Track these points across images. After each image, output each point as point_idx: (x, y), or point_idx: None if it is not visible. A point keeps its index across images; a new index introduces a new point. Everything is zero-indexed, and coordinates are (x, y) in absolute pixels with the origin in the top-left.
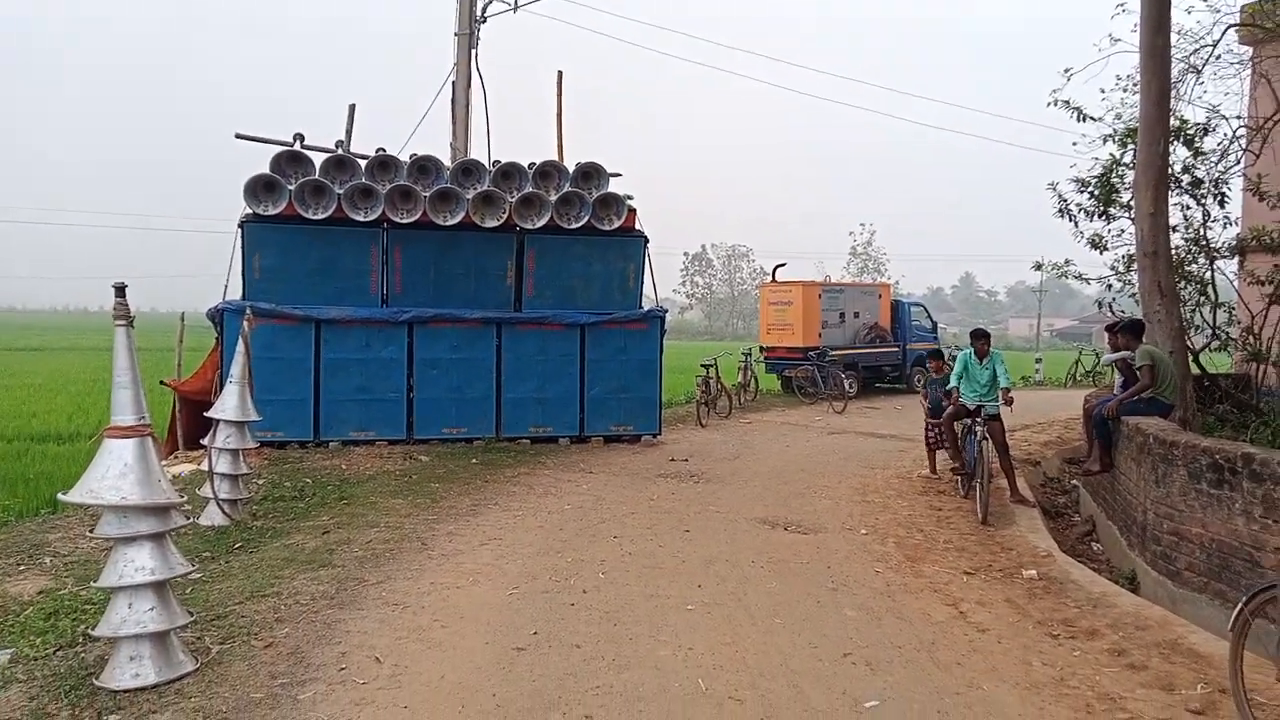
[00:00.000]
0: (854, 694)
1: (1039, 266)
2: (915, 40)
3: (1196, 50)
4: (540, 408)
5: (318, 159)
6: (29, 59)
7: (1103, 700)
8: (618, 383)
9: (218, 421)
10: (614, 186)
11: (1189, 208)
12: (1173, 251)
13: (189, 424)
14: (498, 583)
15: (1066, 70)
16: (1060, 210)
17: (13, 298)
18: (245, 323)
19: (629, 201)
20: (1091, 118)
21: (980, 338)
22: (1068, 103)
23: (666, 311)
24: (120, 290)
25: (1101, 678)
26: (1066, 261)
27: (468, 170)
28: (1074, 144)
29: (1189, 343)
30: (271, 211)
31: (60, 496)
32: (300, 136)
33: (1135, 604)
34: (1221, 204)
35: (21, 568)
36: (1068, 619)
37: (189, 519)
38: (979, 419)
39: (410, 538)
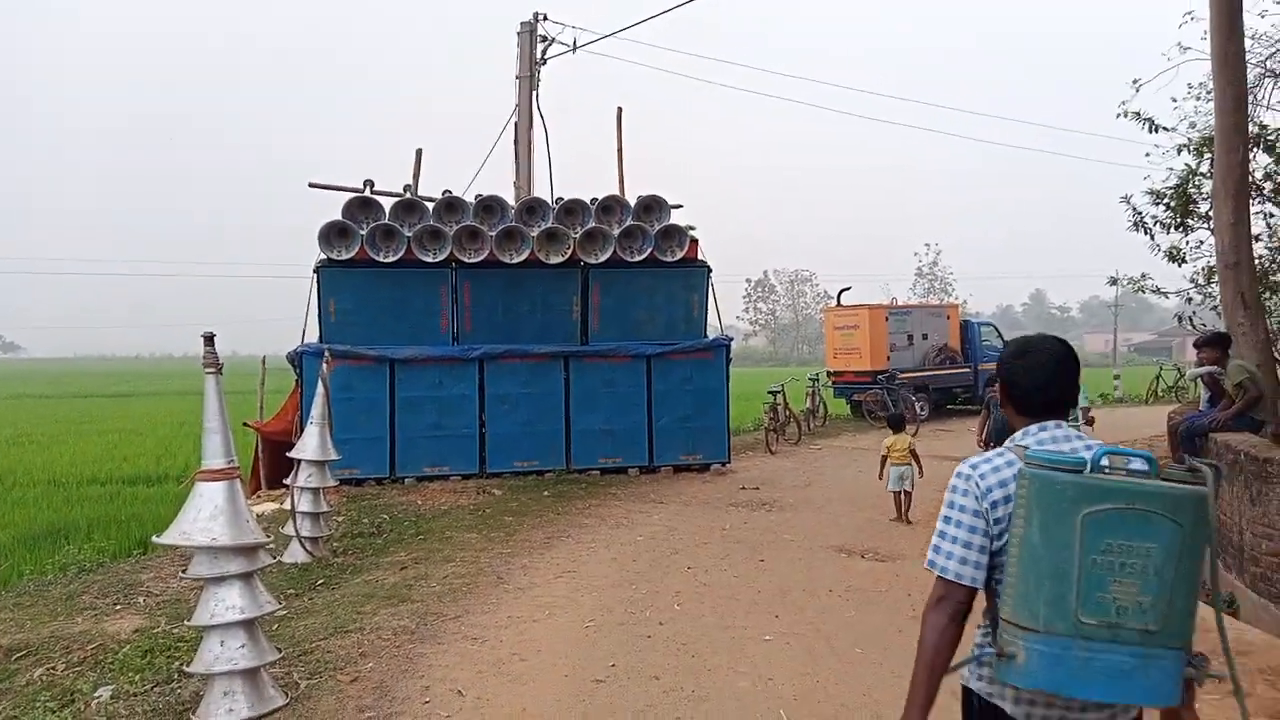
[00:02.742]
0: None
1: (1114, 281)
2: (970, 57)
3: (1273, 54)
4: (609, 439)
5: (387, 204)
6: (99, 108)
7: None
8: (685, 412)
9: (299, 461)
10: (675, 217)
11: (1272, 215)
12: (1256, 262)
13: (271, 464)
14: (573, 615)
15: (1135, 81)
16: (1135, 223)
17: (103, 346)
18: (324, 364)
19: (691, 232)
20: (1164, 128)
21: None
22: (1138, 114)
23: (732, 340)
24: (209, 340)
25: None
26: (1143, 275)
27: (531, 208)
28: (1146, 155)
29: (1276, 355)
30: (345, 256)
31: (155, 539)
32: (370, 183)
33: (1236, 628)
34: None
35: (118, 607)
36: None
37: (274, 557)
38: None
39: (486, 571)
